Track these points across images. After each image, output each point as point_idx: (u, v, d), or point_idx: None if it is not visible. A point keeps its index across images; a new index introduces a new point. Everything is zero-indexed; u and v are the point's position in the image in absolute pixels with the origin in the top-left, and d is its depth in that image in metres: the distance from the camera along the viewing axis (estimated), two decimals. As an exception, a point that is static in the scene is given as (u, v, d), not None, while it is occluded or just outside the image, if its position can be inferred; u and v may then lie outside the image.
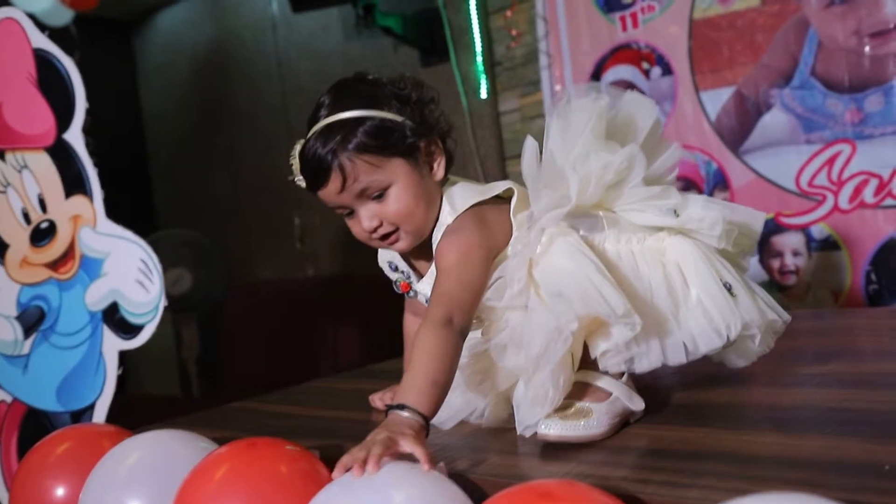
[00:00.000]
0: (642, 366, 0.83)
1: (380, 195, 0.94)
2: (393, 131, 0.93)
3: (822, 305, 2.00)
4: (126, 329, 1.32)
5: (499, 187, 0.99)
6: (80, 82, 1.34)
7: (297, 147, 0.96)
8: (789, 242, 2.04)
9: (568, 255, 0.83)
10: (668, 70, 2.22)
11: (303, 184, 0.97)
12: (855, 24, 1.91)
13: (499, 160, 2.68)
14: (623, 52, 2.30)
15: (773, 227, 2.04)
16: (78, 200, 1.36)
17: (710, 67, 2.15)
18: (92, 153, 3.18)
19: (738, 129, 2.11)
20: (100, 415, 1.33)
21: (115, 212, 1.38)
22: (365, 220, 0.95)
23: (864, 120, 1.92)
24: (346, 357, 2.83)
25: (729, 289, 0.84)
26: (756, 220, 0.93)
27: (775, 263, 2.06)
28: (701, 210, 0.87)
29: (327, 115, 0.94)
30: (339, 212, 0.98)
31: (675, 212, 0.87)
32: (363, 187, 0.93)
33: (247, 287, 3.54)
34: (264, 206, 3.51)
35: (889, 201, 1.89)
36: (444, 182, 1.00)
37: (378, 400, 1.13)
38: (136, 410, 2.75)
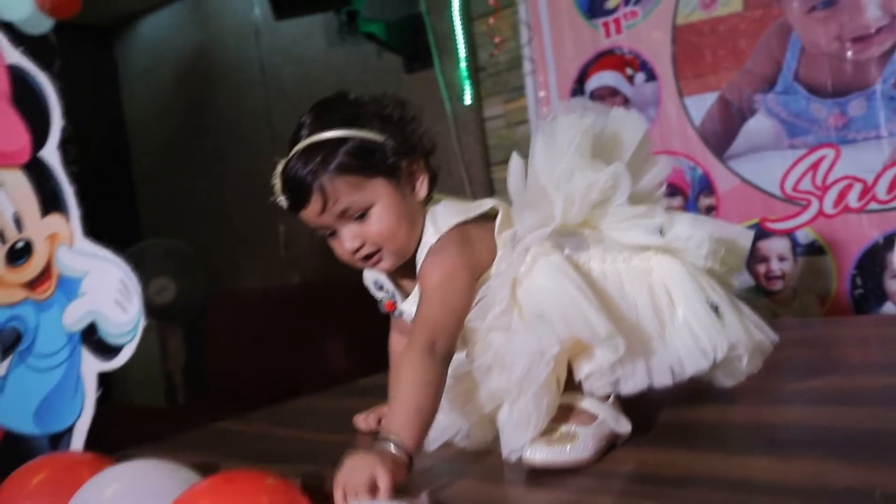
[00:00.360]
0: (628, 388, 0.82)
1: (361, 216, 0.93)
2: (374, 151, 0.92)
3: (809, 310, 2.00)
4: (105, 350, 1.30)
5: (483, 206, 0.98)
6: (56, 98, 1.32)
7: (279, 167, 0.95)
8: (775, 247, 2.04)
9: (551, 275, 0.82)
10: (651, 76, 2.21)
11: (285, 204, 0.96)
12: (837, 28, 1.91)
13: (484, 166, 2.67)
14: (607, 58, 2.29)
15: (759, 232, 2.04)
16: (54, 219, 1.33)
17: (693, 73, 2.14)
18: (73, 161, 3.14)
19: (722, 134, 2.11)
20: (79, 437, 1.31)
21: (99, 220, 1.36)
22: (347, 240, 0.94)
23: (847, 124, 1.92)
24: (333, 365, 2.81)
25: (716, 309, 0.83)
26: (744, 237, 0.92)
27: (761, 268, 2.06)
28: (687, 229, 0.86)
29: (308, 135, 0.92)
30: (322, 232, 0.97)
31: (660, 231, 0.86)
32: (344, 208, 0.92)
33: (231, 295, 3.52)
34: (249, 213, 3.48)
35: (873, 205, 1.89)
36: (428, 201, 0.99)
37: (362, 421, 1.11)
38: (121, 422, 2.73)
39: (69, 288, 1.33)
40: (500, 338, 0.85)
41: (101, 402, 1.34)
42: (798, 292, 2.03)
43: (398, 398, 0.82)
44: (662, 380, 0.82)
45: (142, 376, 3.60)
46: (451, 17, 2.60)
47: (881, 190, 1.87)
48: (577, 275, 0.82)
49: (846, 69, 1.91)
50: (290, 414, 1.33)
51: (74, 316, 1.33)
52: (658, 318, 0.83)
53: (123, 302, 1.29)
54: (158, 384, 3.69)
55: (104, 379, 1.33)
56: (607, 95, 2.30)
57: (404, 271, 1.00)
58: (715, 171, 2.12)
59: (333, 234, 0.95)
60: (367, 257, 0.95)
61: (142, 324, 1.28)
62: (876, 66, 1.87)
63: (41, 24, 3.11)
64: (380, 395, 1.18)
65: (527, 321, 0.81)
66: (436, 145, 1.01)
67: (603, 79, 2.31)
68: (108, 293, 1.29)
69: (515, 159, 0.91)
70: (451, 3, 2.59)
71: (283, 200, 0.95)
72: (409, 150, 0.95)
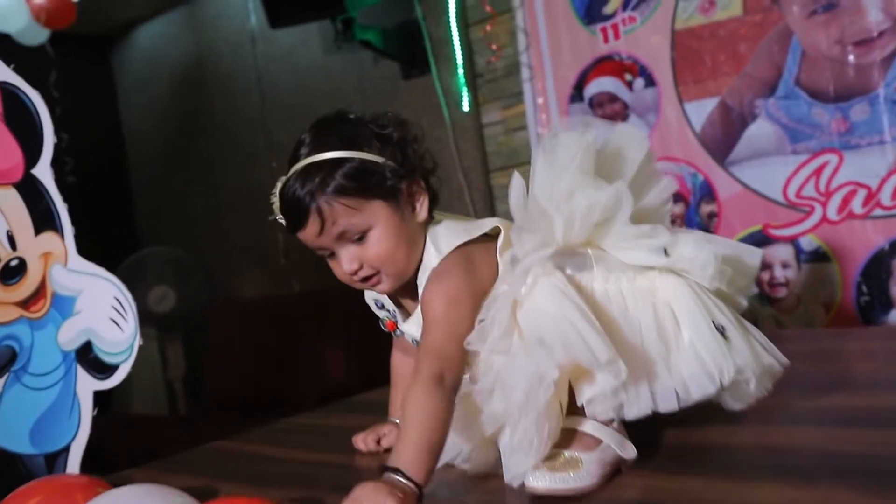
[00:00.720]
0: (631, 413, 0.79)
1: (360, 238, 0.91)
2: (373, 173, 0.90)
3: (814, 318, 1.98)
4: (100, 369, 1.28)
5: (485, 225, 0.96)
6: (48, 115, 1.30)
7: (279, 185, 0.93)
8: (778, 254, 2.02)
9: (552, 297, 0.80)
10: (651, 81, 2.20)
11: (284, 223, 0.94)
12: (838, 32, 1.89)
13: (482, 172, 2.65)
14: (605, 64, 2.28)
15: (762, 239, 2.02)
16: (48, 237, 1.31)
17: (693, 78, 2.13)
18: (70, 172, 3.12)
19: (723, 140, 2.09)
20: (75, 457, 1.29)
21: (97, 229, 1.34)
22: (345, 262, 0.92)
23: (850, 129, 1.90)
24: (332, 374, 2.79)
25: (722, 331, 0.81)
26: (752, 256, 0.90)
27: (765, 276, 2.04)
28: (692, 249, 0.84)
29: (307, 155, 0.91)
30: (321, 253, 0.95)
31: (664, 251, 0.84)
32: (342, 230, 0.90)
33: (230, 303, 3.50)
34: (247, 221, 3.47)
35: (878, 212, 1.87)
36: (429, 221, 0.97)
37: (361, 442, 1.09)
38: (122, 432, 2.71)
39: (64, 306, 1.31)
40: (501, 360, 0.83)
41: (101, 413, 1.33)
42: (802, 300, 2.01)
43: (407, 431, 0.80)
44: (667, 405, 0.80)
45: (142, 385, 3.58)
46: (448, 23, 2.59)
47: (886, 195, 1.86)
48: (579, 296, 0.80)
49: (848, 73, 1.89)
50: (287, 432, 1.31)
51: (69, 334, 1.31)
52: (663, 341, 0.81)
53: (119, 320, 1.27)
54: (159, 393, 3.68)
55: (99, 398, 1.31)
56: (606, 102, 2.29)
57: (405, 291, 0.98)
58: (716, 178, 2.10)
59: (332, 255, 0.94)
60: (366, 279, 0.94)
61: (138, 342, 1.26)
62: (878, 70, 1.85)
63: (37, 35, 3.11)
64: (379, 412, 1.17)
65: (527, 344, 0.80)
66: (437, 165, 0.99)
67: (602, 85, 2.29)
68: (103, 311, 1.28)
69: (517, 178, 0.89)
70: (447, 9, 2.58)
71: (282, 220, 0.94)
72: (409, 172, 0.93)
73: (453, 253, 0.92)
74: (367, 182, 0.90)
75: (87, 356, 1.30)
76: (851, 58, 1.88)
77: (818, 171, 1.95)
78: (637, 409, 0.79)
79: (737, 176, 2.07)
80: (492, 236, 0.95)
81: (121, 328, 1.27)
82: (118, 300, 1.27)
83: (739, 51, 2.04)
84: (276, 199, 0.94)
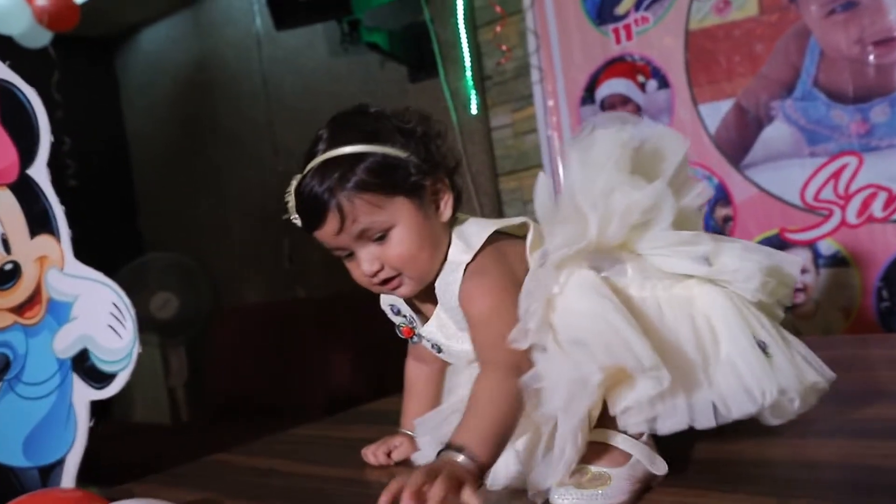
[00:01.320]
0: (665, 427, 0.74)
1: (381, 237, 0.86)
2: (396, 168, 0.86)
3: (833, 325, 1.93)
4: (97, 377, 1.23)
5: (514, 220, 0.92)
6: (45, 114, 1.25)
7: (293, 184, 0.89)
8: (796, 259, 1.97)
9: (587, 297, 0.75)
10: (664, 83, 2.15)
11: (299, 223, 0.89)
12: (858, 32, 1.84)
13: (491, 176, 2.61)
14: (617, 66, 2.23)
15: (778, 244, 1.97)
16: (44, 240, 1.26)
17: (707, 79, 2.08)
18: (72, 176, 3.07)
19: (738, 142, 2.04)
20: (70, 470, 1.24)
21: (100, 234, 1.30)
22: (365, 263, 0.87)
23: (870, 131, 1.85)
24: (339, 383, 2.74)
25: (764, 348, 0.76)
26: (792, 266, 0.84)
27: (782, 281, 1.99)
28: (737, 260, 0.78)
29: (325, 150, 0.86)
30: (338, 254, 0.90)
31: (706, 260, 0.79)
32: (363, 228, 0.85)
33: (235, 310, 3.46)
34: (252, 226, 3.43)
35: (899, 215, 1.82)
36: (453, 222, 0.92)
37: (371, 454, 1.04)
38: (121, 442, 2.66)
39: (59, 312, 1.26)
40: (538, 361, 0.76)
41: (100, 422, 1.28)
42: (821, 306, 1.95)
43: (476, 411, 0.74)
44: (704, 420, 0.74)
45: (143, 394, 3.54)
46: (456, 25, 2.54)
47: (907, 199, 1.81)
48: (616, 297, 0.75)
49: (868, 74, 1.84)
50: (292, 444, 1.26)
51: (65, 342, 1.26)
52: (701, 353, 0.75)
53: (117, 327, 1.22)
54: (161, 402, 3.63)
55: (97, 409, 1.27)
56: (618, 104, 2.24)
57: (424, 295, 0.93)
58: (731, 181, 2.05)
59: (350, 255, 0.89)
60: (386, 281, 0.89)
61: (136, 350, 1.22)
62: (899, 71, 1.80)
63: (40, 38, 3.07)
64: (389, 422, 1.12)
65: (562, 346, 0.74)
66: (460, 163, 0.94)
67: (613, 86, 2.25)
68: (101, 318, 1.23)
69: (542, 177, 0.84)
70: (455, 11, 2.53)
71: (297, 219, 0.89)
72: (433, 168, 0.89)
73: (486, 250, 0.88)
74: (390, 178, 0.85)
75: (83, 364, 1.25)
76: (871, 58, 1.83)
77: (837, 174, 1.90)
78: (672, 423, 0.73)
79: (752, 179, 2.02)
80: (520, 237, 0.91)
81: (119, 335, 1.22)
82: (116, 306, 1.22)
83: (755, 51, 1.99)
84: (290, 198, 0.89)
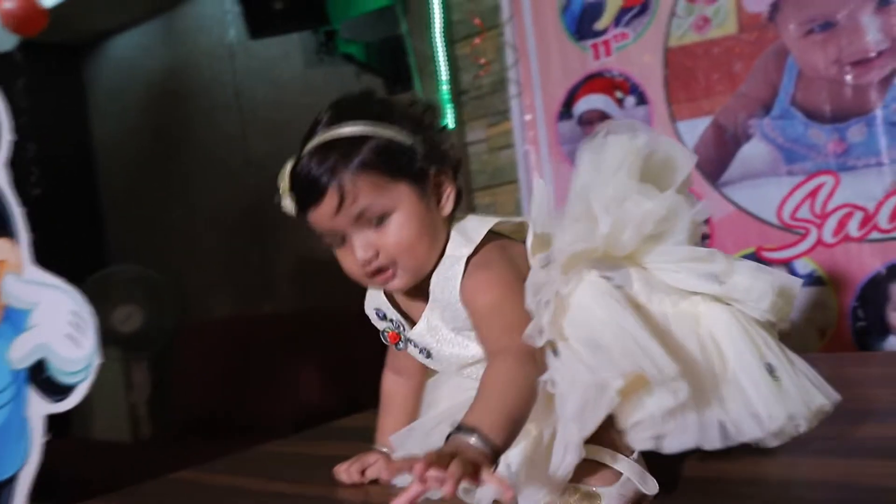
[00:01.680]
0: (672, 445, 0.70)
1: (379, 221, 0.82)
2: (402, 153, 0.83)
3: (808, 343, 1.92)
4: (54, 390, 1.17)
5: (513, 220, 0.89)
6: (4, 113, 1.20)
7: (287, 166, 0.85)
8: (773, 278, 1.96)
9: (600, 300, 0.72)
10: (642, 99, 2.14)
11: (290, 208, 0.85)
12: (836, 52, 1.85)
13: (466, 191, 2.57)
14: (596, 81, 2.22)
15: (755, 262, 1.96)
16: (1, 244, 1.20)
17: (686, 97, 2.07)
18: (36, 184, 2.99)
19: (716, 160, 2.03)
20: (23, 488, 1.17)
21: (64, 244, 1.24)
22: (359, 249, 0.83)
23: (847, 150, 1.85)
24: (309, 400, 2.67)
25: (771, 371, 0.73)
26: (795, 284, 0.82)
27: (758, 300, 1.98)
28: (749, 279, 0.76)
29: (326, 131, 0.83)
30: (328, 241, 0.86)
31: (717, 278, 0.76)
32: (362, 209, 0.81)
33: (202, 324, 3.38)
34: (222, 238, 3.36)
35: (875, 235, 1.82)
36: (452, 218, 0.89)
37: (344, 473, 0.98)
38: (80, 457, 2.57)
39: (16, 320, 1.20)
40: (553, 361, 0.72)
41: (57, 438, 1.22)
42: (796, 324, 1.95)
43: (489, 395, 0.69)
44: (712, 441, 0.70)
45: (104, 409, 3.43)
46: (433, 38, 2.52)
47: (883, 218, 1.81)
48: (628, 303, 0.72)
49: (845, 94, 1.84)
50: (258, 461, 1.20)
51: (21, 351, 1.20)
52: (710, 371, 0.72)
53: (76, 336, 1.16)
54: (121, 417, 3.52)
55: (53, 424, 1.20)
56: (596, 119, 2.22)
57: (414, 293, 0.89)
58: (709, 198, 2.04)
59: (343, 241, 0.85)
60: (379, 272, 0.85)
61: (97, 361, 1.16)
62: (876, 91, 1.81)
63: (5, 41, 2.98)
64: (361, 439, 1.07)
65: (575, 349, 0.70)
66: (461, 161, 0.91)
67: (591, 102, 2.24)
68: (60, 326, 1.17)
69: (540, 184, 0.81)
70: (432, 24, 2.52)
71: (288, 203, 0.85)
72: (439, 159, 0.86)
73: (489, 245, 0.85)
74: (395, 161, 0.82)
75: (40, 376, 1.19)
76: (849, 78, 1.84)
77: (814, 193, 1.90)
78: (681, 441, 0.70)
79: (730, 197, 2.01)
80: (518, 241, 0.88)
81: (78, 345, 1.16)
82: (76, 314, 1.16)
83: (734, 69, 1.99)
84: (283, 181, 0.85)
